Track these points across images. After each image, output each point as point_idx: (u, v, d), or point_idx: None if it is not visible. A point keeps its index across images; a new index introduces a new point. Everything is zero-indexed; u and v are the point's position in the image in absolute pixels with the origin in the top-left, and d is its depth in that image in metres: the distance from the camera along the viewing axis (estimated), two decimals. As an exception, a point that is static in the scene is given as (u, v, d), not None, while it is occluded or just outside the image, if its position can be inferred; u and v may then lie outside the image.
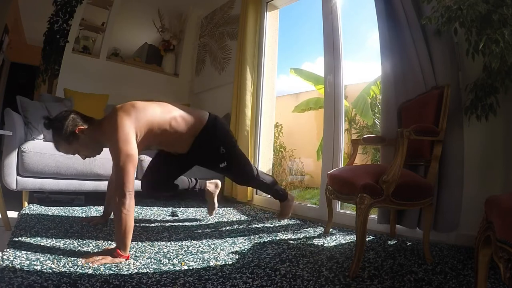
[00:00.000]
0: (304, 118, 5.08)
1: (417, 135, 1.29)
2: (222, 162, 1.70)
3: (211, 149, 1.68)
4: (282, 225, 2.01)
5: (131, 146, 1.33)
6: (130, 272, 1.12)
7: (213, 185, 2.07)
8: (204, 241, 1.57)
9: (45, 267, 1.09)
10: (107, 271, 1.11)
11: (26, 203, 2.10)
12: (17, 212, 1.91)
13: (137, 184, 2.36)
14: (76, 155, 1.49)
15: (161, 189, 1.86)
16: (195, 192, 1.99)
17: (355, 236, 1.47)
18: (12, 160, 1.97)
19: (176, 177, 1.87)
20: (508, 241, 0.69)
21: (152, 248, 1.40)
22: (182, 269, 1.18)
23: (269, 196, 2.09)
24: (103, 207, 1.86)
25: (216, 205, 2.08)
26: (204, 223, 1.98)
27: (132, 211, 1.26)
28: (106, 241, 1.45)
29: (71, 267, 1.11)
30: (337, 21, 2.26)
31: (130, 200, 1.26)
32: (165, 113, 1.54)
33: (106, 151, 1.47)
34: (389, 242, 1.65)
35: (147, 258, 1.27)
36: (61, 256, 1.21)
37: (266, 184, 1.92)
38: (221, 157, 1.69)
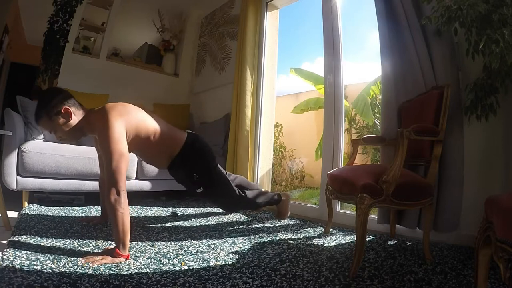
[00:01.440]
0: (304, 118, 5.08)
1: (417, 135, 1.29)
2: (198, 187, 1.70)
3: (186, 175, 1.70)
4: (282, 225, 2.01)
5: (123, 145, 1.34)
6: (130, 272, 1.12)
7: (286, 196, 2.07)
8: (204, 241, 1.57)
9: (45, 267, 1.09)
10: (107, 271, 1.11)
11: (26, 203, 2.10)
12: (17, 212, 1.91)
13: (137, 184, 2.38)
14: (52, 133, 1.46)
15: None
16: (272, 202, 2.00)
17: (355, 236, 1.47)
18: (12, 160, 1.97)
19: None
20: (508, 241, 0.69)
21: (152, 248, 1.40)
22: (182, 269, 1.18)
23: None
24: (100, 207, 1.86)
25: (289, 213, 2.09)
26: (204, 223, 1.98)
27: (127, 210, 1.26)
28: (106, 241, 1.45)
29: (71, 267, 1.11)
30: (337, 21, 2.26)
31: (124, 198, 1.26)
32: (151, 122, 1.55)
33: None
34: (389, 242, 1.65)
35: (147, 258, 1.27)
36: (61, 256, 1.21)
37: (254, 202, 1.89)
38: (196, 183, 1.70)
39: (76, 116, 1.42)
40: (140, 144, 1.52)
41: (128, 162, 1.34)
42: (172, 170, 1.71)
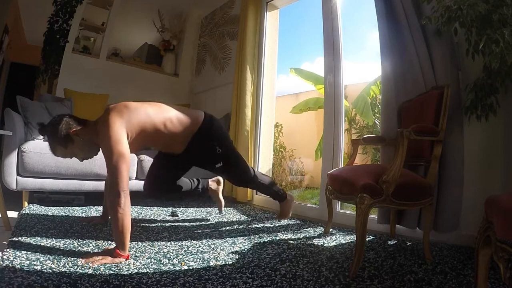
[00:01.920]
0: (304, 118, 5.08)
1: (417, 135, 1.29)
2: (218, 162, 1.71)
3: (207, 149, 1.68)
4: (282, 225, 2.01)
5: (123, 145, 1.33)
6: (130, 272, 1.12)
7: (215, 183, 2.08)
8: (204, 241, 1.57)
9: (45, 267, 1.09)
10: (107, 271, 1.11)
11: (26, 203, 2.10)
12: (17, 212, 1.91)
13: (137, 184, 2.38)
14: (74, 158, 1.49)
15: (164, 190, 1.86)
16: (198, 192, 2.00)
17: (355, 236, 1.47)
18: (12, 160, 1.97)
19: (178, 177, 1.86)
20: (508, 241, 0.69)
21: (152, 248, 1.40)
22: (182, 269, 1.18)
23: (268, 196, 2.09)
24: (102, 207, 1.86)
25: (223, 201, 2.09)
26: (204, 223, 1.98)
27: (128, 210, 1.26)
28: (106, 241, 1.45)
29: (71, 267, 1.11)
30: (337, 21, 2.26)
31: (125, 199, 1.25)
32: (159, 114, 1.54)
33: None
34: (389, 242, 1.65)
35: (147, 258, 1.27)
36: (61, 256, 1.21)
37: (264, 185, 1.92)
38: (217, 157, 1.70)
39: (85, 132, 1.44)
40: (149, 138, 1.52)
41: (129, 163, 1.34)
42: (190, 150, 1.67)
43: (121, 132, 1.36)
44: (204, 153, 1.70)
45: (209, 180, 2.06)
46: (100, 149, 1.50)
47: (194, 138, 1.64)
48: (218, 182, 2.09)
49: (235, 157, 1.80)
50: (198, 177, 2.04)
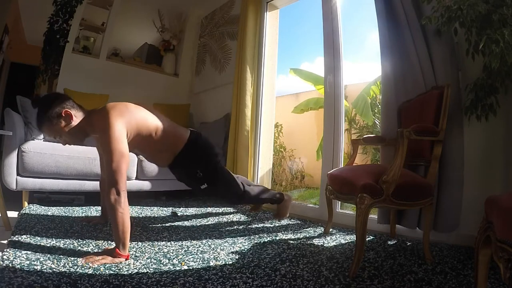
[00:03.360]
0: (304, 118, 5.08)
1: (417, 135, 1.29)
2: (202, 184, 1.69)
3: (189, 172, 1.69)
4: (282, 225, 2.01)
5: (124, 145, 1.33)
6: (130, 272, 1.12)
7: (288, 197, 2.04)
8: (204, 241, 1.57)
9: (45, 267, 1.09)
10: (107, 271, 1.11)
11: (26, 203, 2.10)
12: (17, 212, 1.91)
13: (137, 184, 2.38)
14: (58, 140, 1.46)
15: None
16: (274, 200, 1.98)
17: (355, 236, 1.47)
18: (12, 160, 1.97)
19: None
20: (508, 241, 0.69)
21: (152, 248, 1.40)
22: (182, 269, 1.18)
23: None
24: (101, 207, 1.86)
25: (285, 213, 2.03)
26: (204, 223, 1.98)
27: (127, 209, 1.26)
28: (106, 241, 1.45)
29: (71, 267, 1.11)
30: (337, 21, 2.26)
31: (124, 198, 1.25)
32: (153, 120, 1.55)
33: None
34: (389, 242, 1.65)
35: (147, 258, 1.27)
36: (61, 256, 1.21)
37: (257, 197, 1.90)
38: (200, 180, 1.68)
39: (77, 117, 1.42)
40: (141, 142, 1.52)
41: (128, 162, 1.34)
42: (174, 168, 1.70)
43: (122, 132, 1.35)
44: (187, 175, 1.72)
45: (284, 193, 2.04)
46: (97, 147, 1.49)
47: (177, 158, 1.63)
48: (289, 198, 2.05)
49: (221, 178, 1.75)
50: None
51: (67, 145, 1.50)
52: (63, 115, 1.38)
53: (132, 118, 1.44)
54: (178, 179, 1.80)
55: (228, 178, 1.78)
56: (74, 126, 1.41)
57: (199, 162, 1.67)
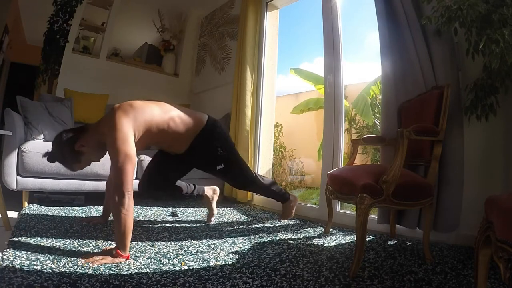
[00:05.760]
0: (304, 118, 5.08)
1: (417, 135, 1.29)
2: (220, 164, 1.70)
3: (209, 150, 1.68)
4: (282, 225, 2.01)
5: (130, 146, 1.33)
6: (130, 272, 1.12)
7: (211, 191, 2.04)
8: (204, 241, 1.57)
9: (45, 267, 1.09)
10: (107, 271, 1.11)
11: (26, 203, 2.10)
12: (17, 212, 1.91)
13: (137, 183, 2.37)
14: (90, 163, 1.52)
15: (159, 188, 1.83)
16: (193, 197, 1.97)
17: (355, 236, 1.47)
18: (12, 160, 1.97)
19: (175, 178, 1.86)
20: (508, 241, 0.69)
21: (152, 248, 1.40)
22: (182, 269, 1.18)
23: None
24: (102, 207, 1.86)
25: (215, 211, 2.04)
26: (204, 223, 1.98)
27: (131, 211, 1.26)
28: (106, 241, 1.45)
29: (71, 267, 1.11)
30: (337, 21, 2.26)
31: (129, 200, 1.25)
32: (164, 113, 1.54)
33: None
34: (389, 242, 1.65)
35: (147, 258, 1.27)
36: (61, 256, 1.21)
37: (266, 187, 1.91)
38: (219, 159, 1.69)
39: (89, 138, 1.44)
40: (154, 137, 1.52)
41: (135, 163, 1.34)
42: (192, 150, 1.66)
43: (127, 132, 1.35)
44: (206, 154, 1.70)
45: (206, 187, 2.02)
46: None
47: (197, 139, 1.63)
48: (214, 192, 2.05)
49: (236, 159, 1.79)
50: (194, 183, 2.02)
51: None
52: (78, 149, 1.42)
53: (138, 116, 1.42)
54: (193, 165, 1.81)
55: (242, 160, 1.85)
56: (91, 147, 1.45)
57: (220, 139, 1.70)
